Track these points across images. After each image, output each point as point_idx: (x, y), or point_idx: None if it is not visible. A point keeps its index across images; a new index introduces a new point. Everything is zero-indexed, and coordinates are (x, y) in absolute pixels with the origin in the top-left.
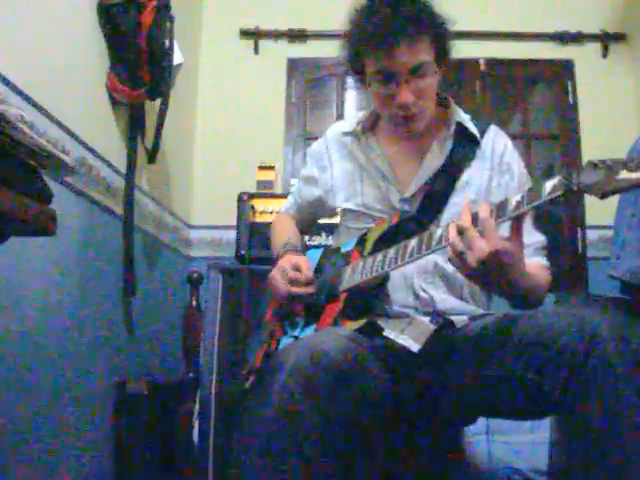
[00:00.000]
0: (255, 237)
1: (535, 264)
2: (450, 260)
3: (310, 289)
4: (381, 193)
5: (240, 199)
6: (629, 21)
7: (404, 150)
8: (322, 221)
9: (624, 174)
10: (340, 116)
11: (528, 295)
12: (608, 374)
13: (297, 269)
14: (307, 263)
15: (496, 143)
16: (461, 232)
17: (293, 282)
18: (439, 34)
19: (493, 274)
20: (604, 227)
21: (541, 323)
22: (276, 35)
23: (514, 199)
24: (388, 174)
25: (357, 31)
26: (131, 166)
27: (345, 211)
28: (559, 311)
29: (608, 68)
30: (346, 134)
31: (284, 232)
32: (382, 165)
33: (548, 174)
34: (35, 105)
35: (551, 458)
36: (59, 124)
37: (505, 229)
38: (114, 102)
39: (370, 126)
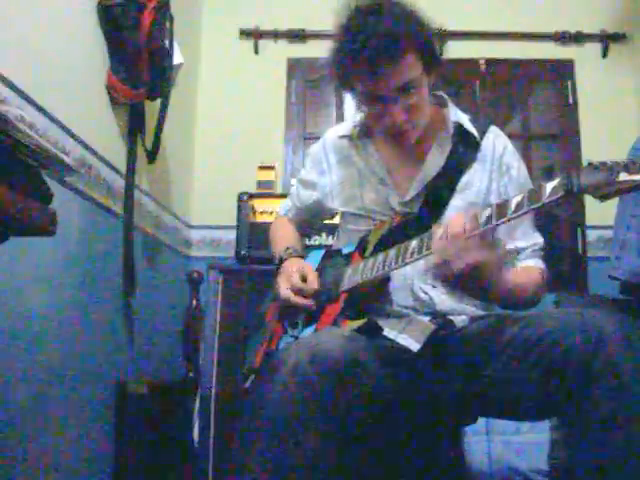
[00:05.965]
0: (255, 237)
1: (524, 267)
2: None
3: (310, 302)
4: (381, 197)
5: (240, 199)
6: (629, 21)
7: (402, 153)
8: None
9: (624, 176)
10: (340, 116)
11: (511, 298)
12: (614, 374)
13: (304, 279)
14: (314, 274)
15: (496, 145)
16: (451, 237)
17: (297, 291)
18: (425, 45)
19: (468, 284)
20: (604, 227)
21: (545, 324)
22: (276, 35)
23: (514, 200)
24: (387, 179)
25: (341, 53)
26: (131, 166)
27: (345, 214)
28: (563, 312)
29: (608, 68)
30: (343, 137)
31: (285, 235)
32: (380, 170)
33: (548, 174)
34: (35, 105)
35: (551, 458)
36: (59, 124)
37: (502, 230)
38: (114, 102)
39: (367, 130)
